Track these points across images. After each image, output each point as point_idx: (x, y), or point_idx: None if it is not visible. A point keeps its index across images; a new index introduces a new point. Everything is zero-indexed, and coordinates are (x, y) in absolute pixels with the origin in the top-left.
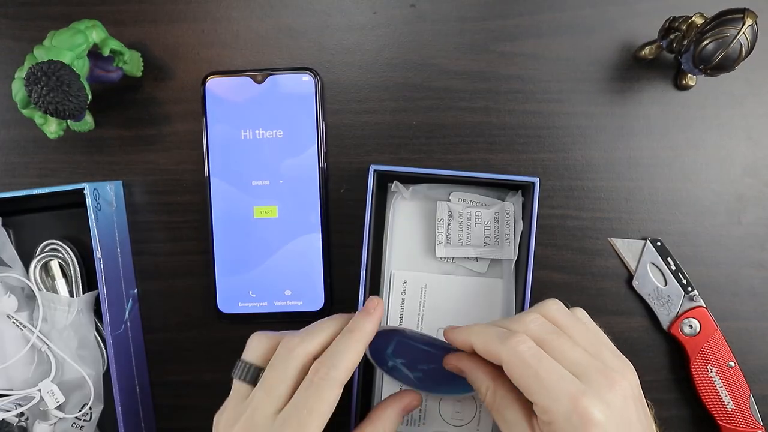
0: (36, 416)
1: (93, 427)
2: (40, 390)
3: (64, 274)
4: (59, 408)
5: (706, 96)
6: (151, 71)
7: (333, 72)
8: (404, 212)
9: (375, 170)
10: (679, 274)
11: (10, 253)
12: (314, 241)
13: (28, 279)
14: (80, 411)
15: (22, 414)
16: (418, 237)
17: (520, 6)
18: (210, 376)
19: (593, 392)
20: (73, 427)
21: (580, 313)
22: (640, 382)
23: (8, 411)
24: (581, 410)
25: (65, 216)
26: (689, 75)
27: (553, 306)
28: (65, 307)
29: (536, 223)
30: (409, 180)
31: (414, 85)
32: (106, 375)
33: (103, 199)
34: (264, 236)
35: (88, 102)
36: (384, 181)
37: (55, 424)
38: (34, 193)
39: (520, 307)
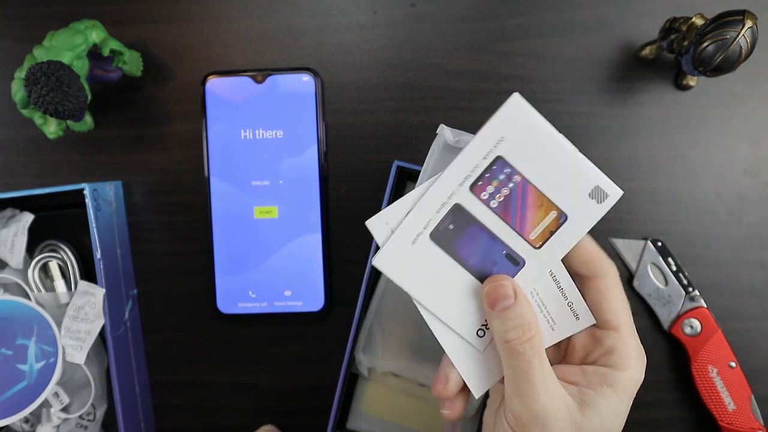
0: (40, 417)
1: (97, 427)
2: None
3: (63, 275)
4: (63, 409)
5: (707, 96)
6: (151, 71)
7: (333, 72)
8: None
9: (398, 166)
10: (680, 274)
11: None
12: (314, 241)
13: (27, 279)
14: (83, 410)
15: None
16: None
17: (521, 6)
18: (210, 376)
19: None
20: (77, 427)
21: None
22: (641, 383)
23: None
24: None
25: (64, 216)
26: (690, 75)
27: None
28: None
29: None
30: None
31: (414, 85)
32: (106, 375)
33: (103, 200)
34: (264, 236)
35: (88, 102)
36: (402, 179)
37: (59, 426)
38: (33, 193)
39: None
